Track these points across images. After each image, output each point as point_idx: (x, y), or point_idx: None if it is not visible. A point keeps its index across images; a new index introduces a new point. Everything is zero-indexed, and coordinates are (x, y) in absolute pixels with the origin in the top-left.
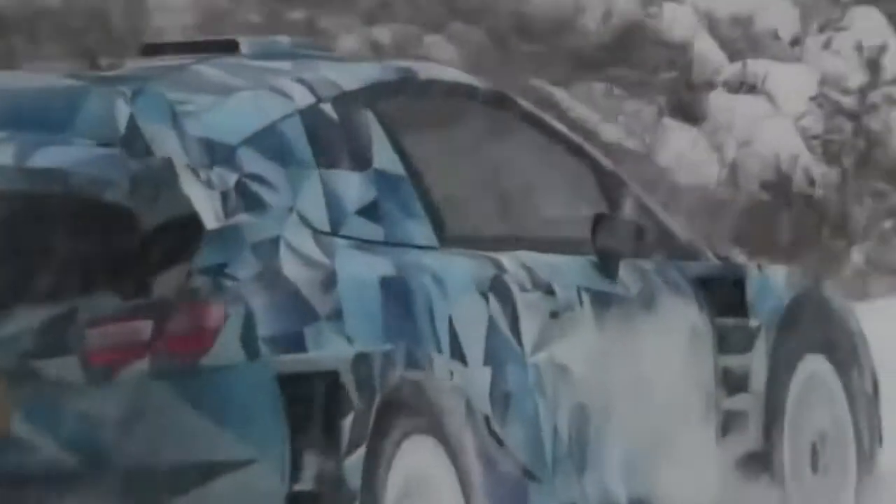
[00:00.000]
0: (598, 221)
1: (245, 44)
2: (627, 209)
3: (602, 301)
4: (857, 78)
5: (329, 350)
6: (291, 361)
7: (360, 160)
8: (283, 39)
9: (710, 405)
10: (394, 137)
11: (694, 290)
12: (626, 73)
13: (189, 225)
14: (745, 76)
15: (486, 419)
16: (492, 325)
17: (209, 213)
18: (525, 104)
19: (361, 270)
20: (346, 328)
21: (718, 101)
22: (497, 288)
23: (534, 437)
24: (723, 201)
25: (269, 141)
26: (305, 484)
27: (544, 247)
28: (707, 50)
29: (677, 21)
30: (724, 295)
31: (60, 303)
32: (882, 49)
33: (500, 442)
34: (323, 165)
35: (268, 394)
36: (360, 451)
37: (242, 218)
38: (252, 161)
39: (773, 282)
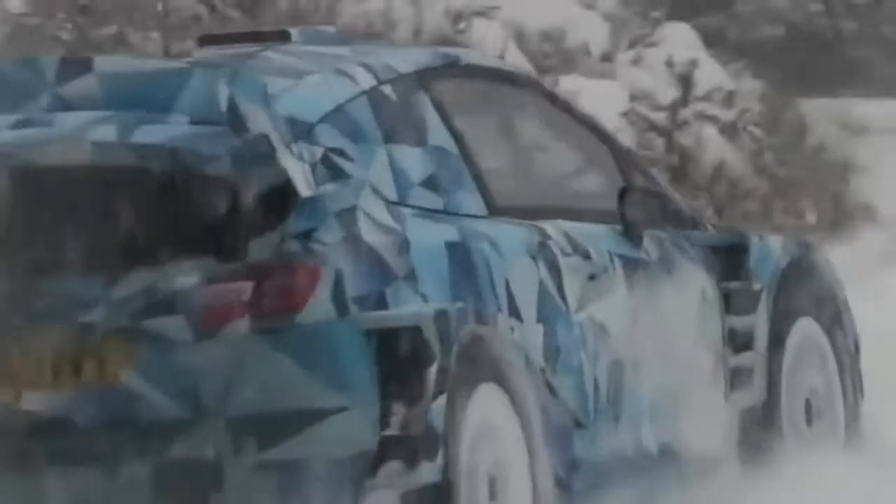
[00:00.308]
0: (624, 193)
1: (295, 33)
2: (645, 182)
3: (630, 266)
4: (668, 94)
5: (407, 307)
6: (379, 318)
7: (418, 137)
8: (329, 29)
9: (720, 362)
10: (444, 116)
11: (702, 257)
12: None
13: (283, 194)
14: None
15: (541, 371)
16: (541, 287)
17: (303, 184)
18: (551, 89)
19: (429, 236)
20: (420, 288)
21: None
22: (543, 253)
23: (579, 389)
24: None
25: (341, 119)
26: (394, 429)
27: (576, 216)
28: (517, 65)
29: (487, 36)
30: (728, 261)
31: (169, 267)
32: (693, 64)
33: (552, 392)
34: (388, 141)
35: (357, 347)
36: (442, 399)
37: (328, 188)
38: (329, 137)
39: (771, 249)
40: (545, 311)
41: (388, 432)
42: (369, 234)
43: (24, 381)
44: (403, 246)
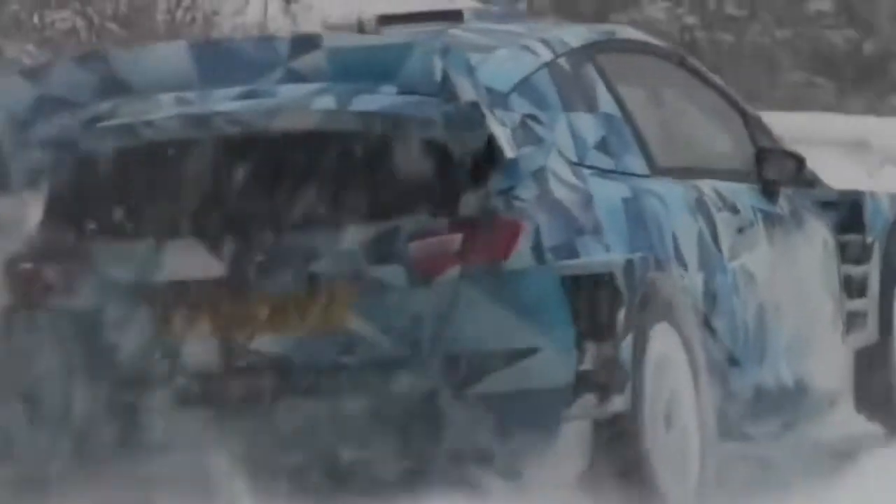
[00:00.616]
0: (761, 154)
1: (467, 13)
2: (774, 145)
3: (769, 220)
4: None
5: (597, 257)
6: (574, 265)
7: (590, 104)
8: (495, 8)
9: (838, 306)
10: (609, 86)
11: (822, 212)
12: None
13: (489, 156)
14: None
15: (704, 314)
16: (701, 238)
17: (507, 146)
18: (691, 60)
19: (608, 193)
20: (604, 239)
21: None
22: (701, 208)
23: (733, 330)
24: None
25: (528, 88)
26: (588, 365)
27: (718, 175)
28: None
29: None
30: (845, 216)
31: (387, 221)
32: None
33: (713, 333)
34: (566, 109)
35: (555, 292)
36: (629, 338)
37: (526, 150)
38: (520, 105)
39: (882, 205)
40: (705, 260)
41: (582, 368)
42: (559, 192)
43: (256, 324)
44: (588, 202)
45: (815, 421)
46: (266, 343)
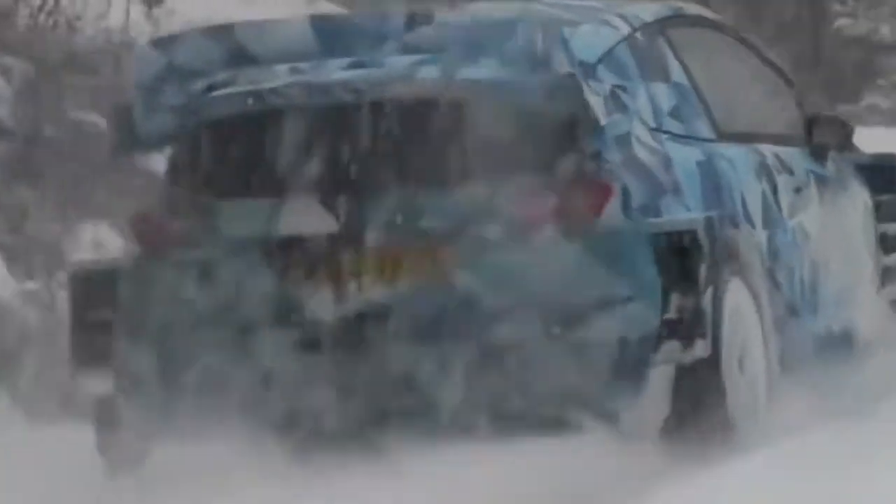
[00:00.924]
0: (813, 120)
1: None
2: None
3: (821, 181)
4: None
5: (680, 215)
6: (661, 223)
7: (663, 75)
8: None
9: (875, 262)
10: (678, 57)
11: (860, 174)
12: None
13: (582, 122)
14: None
15: (770, 269)
16: (764, 198)
17: (601, 114)
18: (746, 34)
19: (684, 156)
20: (683, 199)
21: None
22: (764, 170)
23: (793, 284)
24: None
25: (611, 60)
26: (673, 314)
27: (775, 140)
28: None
29: None
30: (880, 178)
31: (491, 182)
32: None
33: (776, 286)
34: (644, 78)
35: (643, 248)
36: (710, 290)
37: (615, 117)
38: (607, 75)
39: None
40: (768, 218)
41: (668, 316)
42: (642, 155)
43: (367, 276)
44: (668, 164)
45: (861, 367)
46: (376, 293)
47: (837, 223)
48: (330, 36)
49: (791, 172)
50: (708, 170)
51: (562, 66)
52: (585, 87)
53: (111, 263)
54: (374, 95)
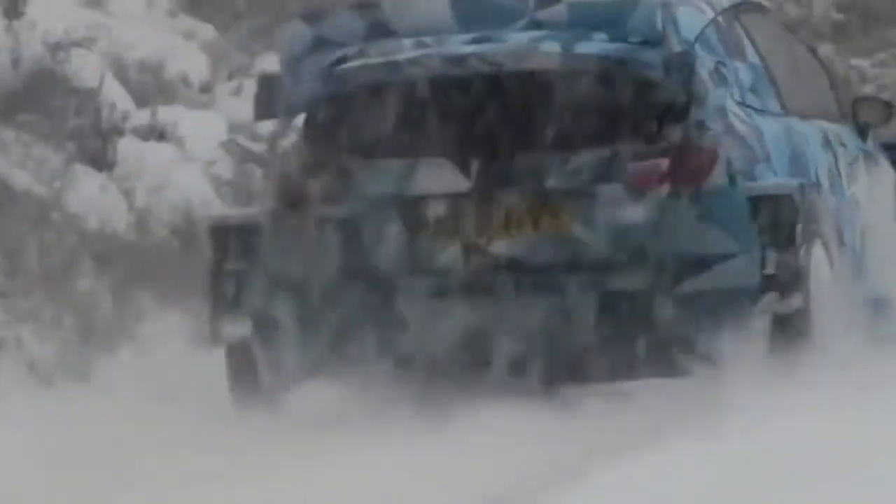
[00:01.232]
0: (857, 101)
1: None
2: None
3: (867, 156)
4: (266, 124)
5: (775, 180)
6: (760, 187)
7: (742, 55)
8: None
9: None
10: (751, 40)
11: (886, 152)
12: (36, 120)
13: (690, 94)
14: (155, 123)
15: (838, 230)
16: (830, 169)
17: (710, 87)
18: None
19: (770, 128)
20: (773, 167)
21: (128, 148)
22: (828, 143)
23: (851, 245)
24: (132, 247)
25: (706, 39)
26: (770, 269)
27: (827, 117)
28: (116, 96)
29: (86, 67)
30: None
31: (608, 147)
32: None
33: (843, 244)
34: (729, 57)
35: (744, 209)
36: (804, 247)
37: (718, 91)
38: (704, 53)
39: None
40: (835, 186)
41: (767, 272)
42: (738, 126)
43: (495, 230)
44: (759, 134)
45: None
46: (502, 246)
47: (876, 195)
48: (466, 12)
49: (845, 146)
50: (788, 140)
51: (676, 43)
52: (698, 64)
53: (247, 218)
54: (505, 67)
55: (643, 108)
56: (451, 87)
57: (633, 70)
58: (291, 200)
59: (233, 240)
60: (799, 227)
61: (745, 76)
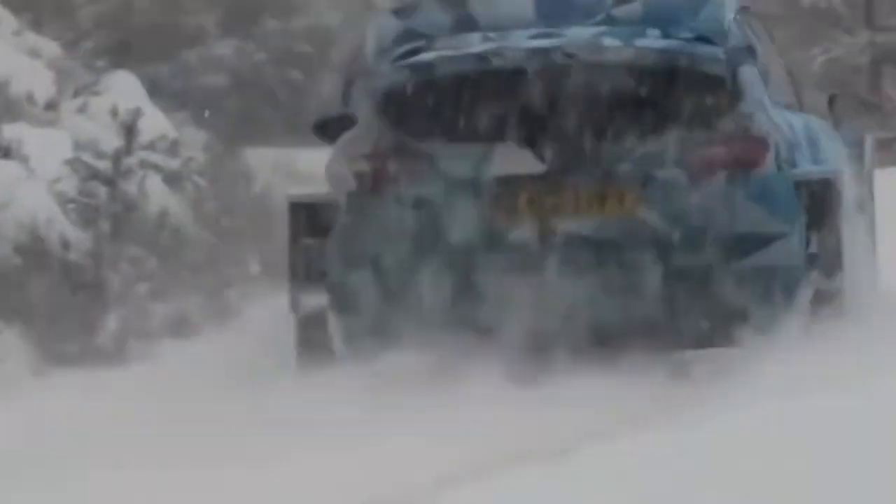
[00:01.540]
0: (833, 98)
1: None
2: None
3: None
4: (112, 142)
5: (816, 167)
6: (805, 172)
7: (756, 52)
8: None
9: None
10: (759, 38)
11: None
12: None
13: (745, 87)
14: None
15: (860, 212)
16: (842, 153)
17: (763, 80)
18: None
19: (797, 120)
20: (805, 154)
21: None
22: (832, 134)
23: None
24: None
25: (735, 31)
26: (814, 249)
27: (808, 111)
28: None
29: None
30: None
31: (670, 134)
32: (137, 113)
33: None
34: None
35: (792, 193)
36: (839, 226)
37: (760, 85)
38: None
39: None
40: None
41: (809, 250)
42: (776, 117)
43: (566, 211)
44: (792, 125)
45: None
46: (573, 226)
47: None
48: (547, 7)
49: (840, 139)
50: (811, 131)
51: (736, 39)
52: (754, 59)
53: (325, 197)
54: (578, 60)
55: (704, 100)
56: (528, 78)
57: (696, 64)
58: (373, 181)
59: (310, 216)
60: (840, 210)
61: (765, 72)
